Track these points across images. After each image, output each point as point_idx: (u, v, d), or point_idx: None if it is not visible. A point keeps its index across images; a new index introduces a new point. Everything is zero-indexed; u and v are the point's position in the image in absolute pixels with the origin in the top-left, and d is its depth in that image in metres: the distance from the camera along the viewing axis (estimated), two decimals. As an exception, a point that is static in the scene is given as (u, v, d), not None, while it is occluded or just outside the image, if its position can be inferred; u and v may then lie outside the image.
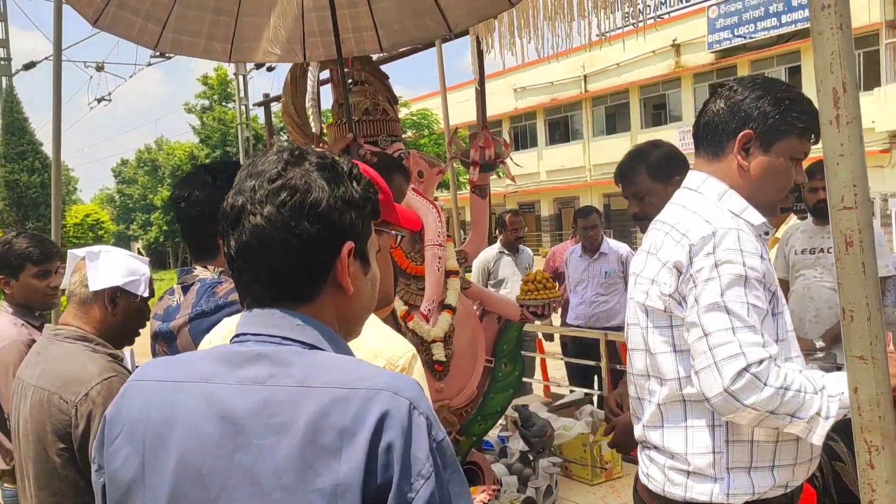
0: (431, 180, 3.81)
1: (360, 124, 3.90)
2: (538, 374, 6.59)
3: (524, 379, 4.96)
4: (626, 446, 2.27)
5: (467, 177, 3.98)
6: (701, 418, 1.69)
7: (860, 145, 1.02)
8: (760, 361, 1.51)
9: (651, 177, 2.55)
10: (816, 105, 1.13)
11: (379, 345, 1.50)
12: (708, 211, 1.71)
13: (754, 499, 1.67)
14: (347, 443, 0.93)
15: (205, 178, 2.05)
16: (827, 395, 1.47)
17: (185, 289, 2.00)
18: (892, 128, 20.98)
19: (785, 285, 4.15)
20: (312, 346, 1.05)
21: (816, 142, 1.69)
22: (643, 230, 3.14)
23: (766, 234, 1.76)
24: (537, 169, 32.81)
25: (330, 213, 1.05)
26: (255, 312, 1.09)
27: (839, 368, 2.08)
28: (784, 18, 24.93)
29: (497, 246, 6.53)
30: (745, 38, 26.00)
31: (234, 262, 1.09)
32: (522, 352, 4.06)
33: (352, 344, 1.29)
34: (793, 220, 4.42)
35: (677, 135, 27.36)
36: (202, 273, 2.01)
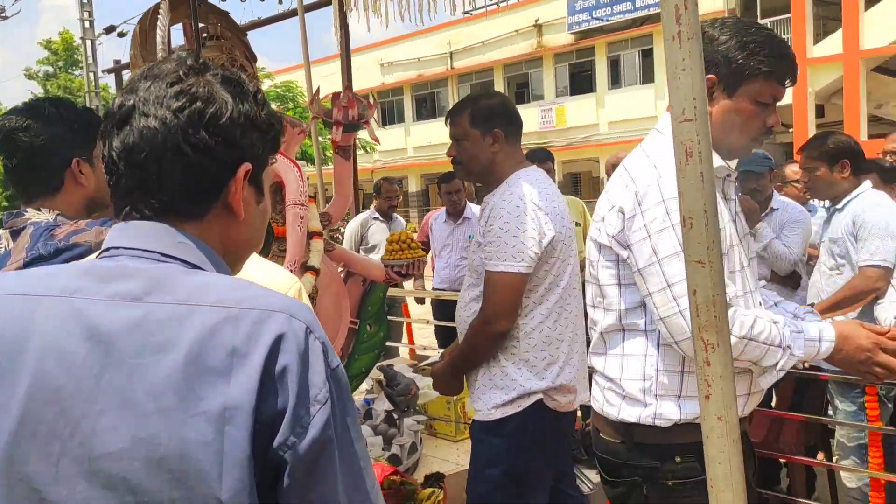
0: (293, 140, 3.70)
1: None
2: (405, 338, 6.64)
3: (391, 343, 4.97)
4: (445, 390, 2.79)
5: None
6: (636, 347, 1.79)
7: (700, 61, 1.07)
8: None
9: (471, 122, 2.54)
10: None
11: (262, 276, 1.44)
12: (660, 154, 1.72)
13: (681, 423, 1.76)
14: (239, 364, 0.87)
15: (50, 110, 1.90)
16: (790, 353, 1.64)
17: (15, 234, 1.84)
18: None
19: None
20: (195, 267, 0.98)
21: (793, 83, 1.77)
22: (458, 176, 3.19)
23: (729, 176, 1.83)
24: (405, 145, 32.87)
25: (231, 127, 0.99)
26: (132, 224, 0.99)
27: None
28: (638, 3, 26.09)
29: (370, 212, 6.49)
30: (602, 20, 27.02)
31: (114, 166, 0.99)
32: (389, 317, 4.05)
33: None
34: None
35: (539, 112, 28.16)
36: (35, 215, 1.86)
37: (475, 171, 2.60)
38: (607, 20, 26.90)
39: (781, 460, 3.85)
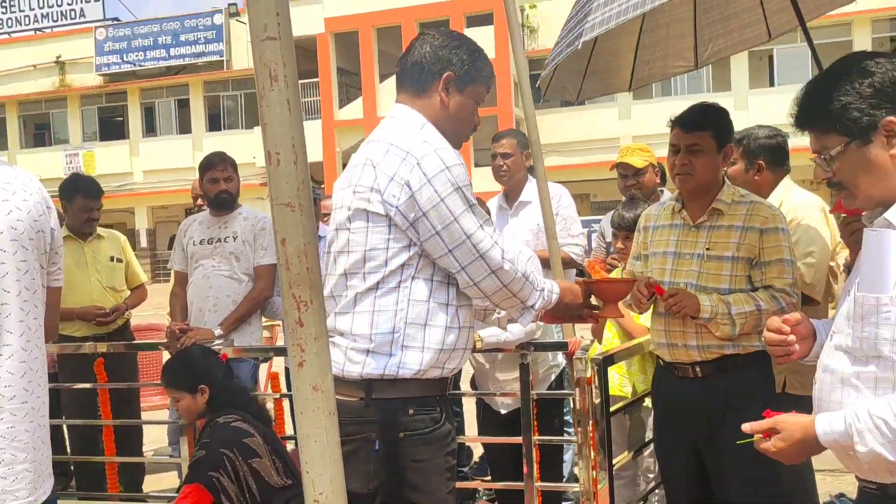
0: None
1: None
2: None
3: None
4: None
5: None
6: (388, 304, 1.94)
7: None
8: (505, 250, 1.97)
9: None
10: None
11: None
12: (422, 129, 1.98)
13: (418, 376, 1.95)
14: None
15: None
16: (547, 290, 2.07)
17: None
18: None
19: (184, 277, 4.07)
20: None
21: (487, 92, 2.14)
22: None
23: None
24: None
25: None
26: None
27: None
28: (172, 52, 25.63)
29: None
30: (134, 64, 25.86)
31: None
32: None
33: None
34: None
35: (63, 157, 25.59)
36: None
37: None
38: (140, 65, 25.84)
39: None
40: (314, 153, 21.31)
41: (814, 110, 1.52)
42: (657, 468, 2.97)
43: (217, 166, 4.06)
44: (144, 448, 4.73)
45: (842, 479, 4.09)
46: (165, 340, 4.21)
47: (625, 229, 3.19)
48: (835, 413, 1.46)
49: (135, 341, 4.29)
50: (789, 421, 1.52)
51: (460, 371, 4.08)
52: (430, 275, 1.97)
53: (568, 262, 3.70)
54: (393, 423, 1.92)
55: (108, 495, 3.88)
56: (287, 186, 0.93)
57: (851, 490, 3.71)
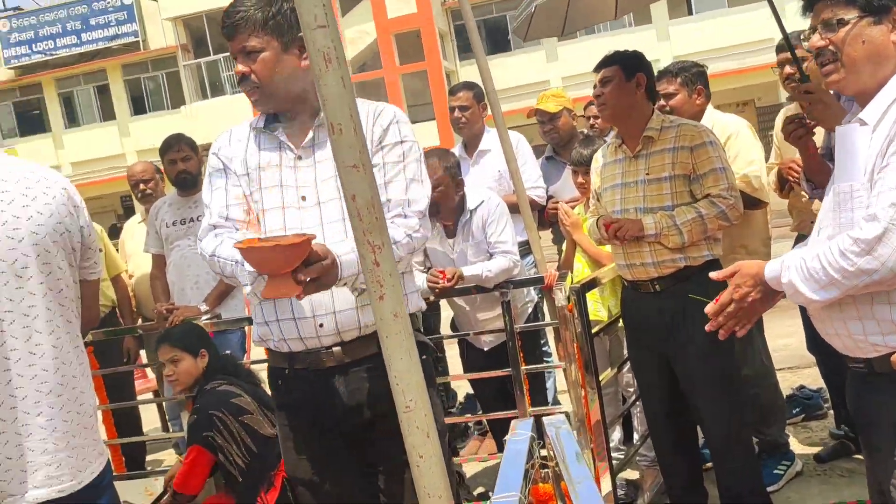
0: None
1: None
2: None
3: None
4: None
5: None
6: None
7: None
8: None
9: None
10: None
11: None
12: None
13: (263, 346, 2.12)
14: None
15: None
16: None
17: None
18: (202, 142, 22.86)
19: (161, 259, 4.16)
20: None
21: None
22: None
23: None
24: None
25: None
26: None
27: None
28: (84, 37, 24.72)
29: None
30: (45, 53, 24.89)
31: None
32: None
33: None
34: None
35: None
36: None
37: None
38: (52, 54, 24.88)
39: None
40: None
41: None
42: (636, 382, 3.26)
43: (173, 147, 4.16)
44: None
45: (800, 374, 4.48)
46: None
47: (584, 165, 3.42)
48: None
49: (118, 328, 4.36)
50: (745, 263, 1.75)
51: (440, 317, 4.31)
52: None
53: (531, 205, 3.92)
54: None
55: (116, 475, 4.01)
56: (350, 151, 1.10)
57: (811, 382, 4.09)
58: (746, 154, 3.30)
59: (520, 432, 1.41)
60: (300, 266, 1.66)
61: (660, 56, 20.40)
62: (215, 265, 2.00)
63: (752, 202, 3.22)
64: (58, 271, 1.83)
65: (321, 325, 1.98)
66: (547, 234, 4.43)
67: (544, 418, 2.00)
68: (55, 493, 1.75)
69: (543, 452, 1.78)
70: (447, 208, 3.35)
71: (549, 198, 4.15)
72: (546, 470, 1.48)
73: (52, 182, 1.87)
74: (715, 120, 3.39)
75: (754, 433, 3.21)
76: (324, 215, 1.97)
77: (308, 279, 1.68)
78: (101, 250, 4.48)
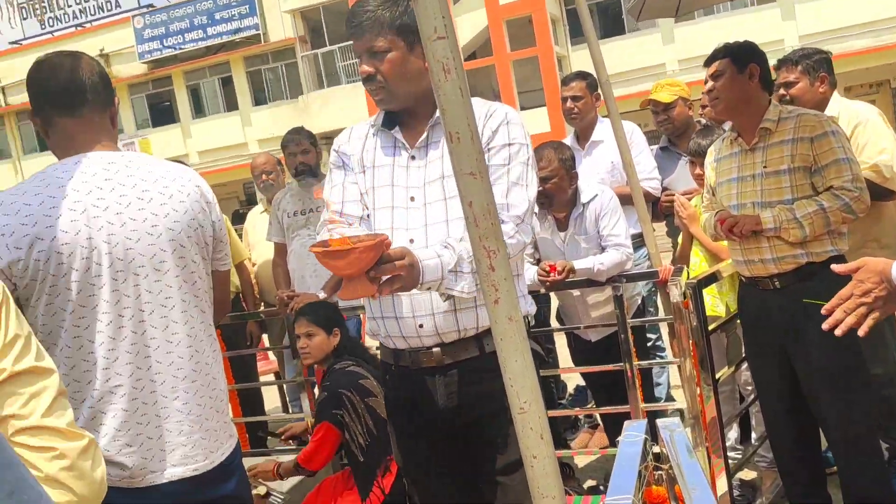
0: None
1: None
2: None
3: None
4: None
5: None
6: None
7: (442, -18, 1.11)
8: None
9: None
10: None
11: None
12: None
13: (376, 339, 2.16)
14: None
15: None
16: None
17: None
18: (318, 131, 23.54)
19: (283, 247, 4.35)
20: None
21: None
22: None
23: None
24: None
25: None
26: None
27: None
28: (210, 31, 25.91)
29: None
30: (175, 48, 26.26)
31: None
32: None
33: None
34: None
35: (120, 147, 26.28)
36: None
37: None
38: (180, 48, 26.23)
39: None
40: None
41: None
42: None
43: (293, 141, 4.33)
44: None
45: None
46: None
47: (701, 156, 3.32)
48: None
49: (242, 313, 4.61)
50: (872, 259, 1.68)
51: (550, 307, 4.30)
52: None
53: (646, 196, 3.85)
54: None
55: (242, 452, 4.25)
56: (468, 158, 1.13)
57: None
58: (877, 142, 3.12)
59: (632, 433, 1.41)
60: (375, 266, 1.66)
61: (783, 36, 19.44)
62: None
63: (884, 193, 3.04)
64: (192, 264, 1.93)
65: (421, 326, 2.00)
66: (661, 226, 4.34)
67: (658, 420, 1.97)
68: (190, 472, 1.86)
69: (656, 449, 1.77)
70: (560, 201, 3.34)
71: (664, 190, 4.05)
72: (660, 472, 1.47)
73: (187, 180, 1.97)
74: (842, 108, 3.22)
75: (883, 437, 3.05)
76: (428, 216, 1.99)
77: (383, 279, 1.69)
78: (225, 239, 4.77)
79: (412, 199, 2.01)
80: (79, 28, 27.65)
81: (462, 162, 1.13)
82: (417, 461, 2.16)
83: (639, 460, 1.29)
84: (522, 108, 20.36)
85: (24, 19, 28.46)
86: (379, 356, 2.28)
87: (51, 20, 28.02)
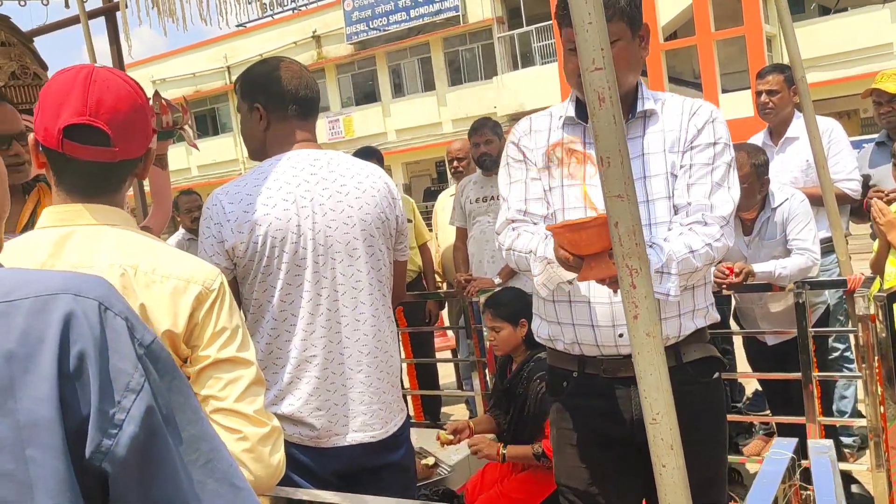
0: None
1: (8, 89, 3.45)
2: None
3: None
4: None
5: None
6: None
7: (602, 15, 1.18)
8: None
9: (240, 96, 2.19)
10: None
11: (187, 269, 1.38)
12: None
13: (549, 345, 2.14)
14: (22, 370, 0.70)
15: None
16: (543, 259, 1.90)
17: None
18: (511, 112, 23.81)
19: (464, 232, 4.56)
20: None
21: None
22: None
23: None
24: (187, 164, 31.40)
25: None
26: None
27: None
28: (412, 13, 26.88)
29: (182, 233, 5.81)
30: (379, 30, 27.52)
31: None
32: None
33: (151, 268, 1.26)
34: None
35: (327, 124, 28.13)
36: None
37: (252, 150, 2.21)
38: (385, 30, 27.45)
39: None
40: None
41: None
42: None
43: (478, 131, 4.49)
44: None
45: None
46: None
47: (905, 160, 3.09)
48: None
49: (423, 292, 4.88)
50: None
51: (730, 308, 4.18)
52: None
53: (843, 199, 3.62)
54: None
55: (414, 423, 4.55)
56: (616, 182, 1.20)
57: None
58: None
59: (779, 450, 1.41)
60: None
61: None
62: (511, 259, 2.06)
63: None
64: (378, 253, 2.14)
65: (620, 336, 1.92)
66: (865, 228, 4.05)
67: (809, 441, 1.92)
68: (367, 438, 2.08)
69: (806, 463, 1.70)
70: (748, 204, 3.25)
71: (871, 187, 3.78)
72: (807, 492, 1.46)
73: (377, 177, 2.19)
74: None
75: None
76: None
77: None
78: (409, 221, 5.07)
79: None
80: (295, 11, 29.70)
81: (611, 185, 1.20)
82: (596, 474, 2.05)
83: (780, 479, 1.30)
84: (724, 91, 19.36)
85: (249, 3, 31.00)
86: (547, 360, 2.22)
87: (271, 4, 30.30)
